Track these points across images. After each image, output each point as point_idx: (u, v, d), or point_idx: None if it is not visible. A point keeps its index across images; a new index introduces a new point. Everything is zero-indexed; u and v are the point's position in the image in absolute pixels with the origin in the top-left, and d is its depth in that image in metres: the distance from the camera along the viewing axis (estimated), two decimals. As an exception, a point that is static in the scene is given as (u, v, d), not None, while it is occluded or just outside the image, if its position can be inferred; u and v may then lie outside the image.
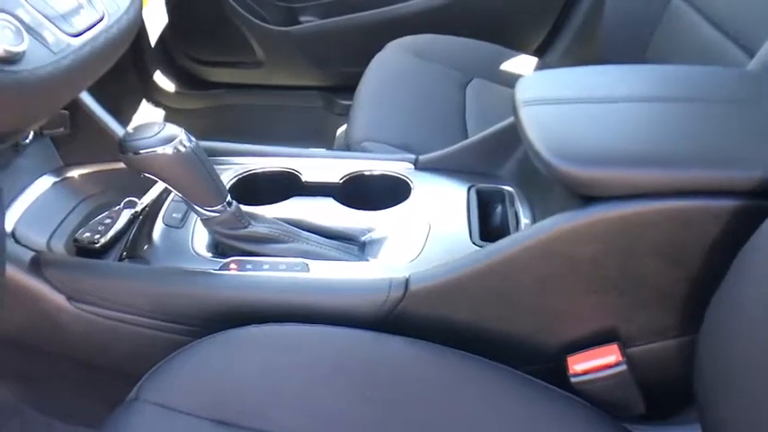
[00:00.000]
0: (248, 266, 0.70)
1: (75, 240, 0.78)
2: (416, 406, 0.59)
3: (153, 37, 1.24)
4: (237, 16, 1.70)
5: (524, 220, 0.78)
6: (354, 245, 0.77)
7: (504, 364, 0.66)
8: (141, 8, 0.77)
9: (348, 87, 1.38)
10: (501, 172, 0.85)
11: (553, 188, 0.71)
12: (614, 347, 0.67)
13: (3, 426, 0.85)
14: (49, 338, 0.75)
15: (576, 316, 0.68)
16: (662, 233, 0.60)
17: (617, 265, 0.63)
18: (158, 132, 0.64)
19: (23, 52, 0.56)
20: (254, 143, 1.86)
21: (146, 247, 0.75)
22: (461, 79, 1.32)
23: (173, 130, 0.65)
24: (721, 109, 0.66)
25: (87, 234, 0.79)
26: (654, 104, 0.66)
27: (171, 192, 0.74)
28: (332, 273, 0.70)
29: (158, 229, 0.77)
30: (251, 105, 1.85)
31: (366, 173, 0.85)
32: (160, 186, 0.83)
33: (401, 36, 1.43)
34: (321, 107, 1.81)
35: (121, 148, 0.65)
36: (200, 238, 0.75)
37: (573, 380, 0.67)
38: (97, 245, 0.78)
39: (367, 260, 0.74)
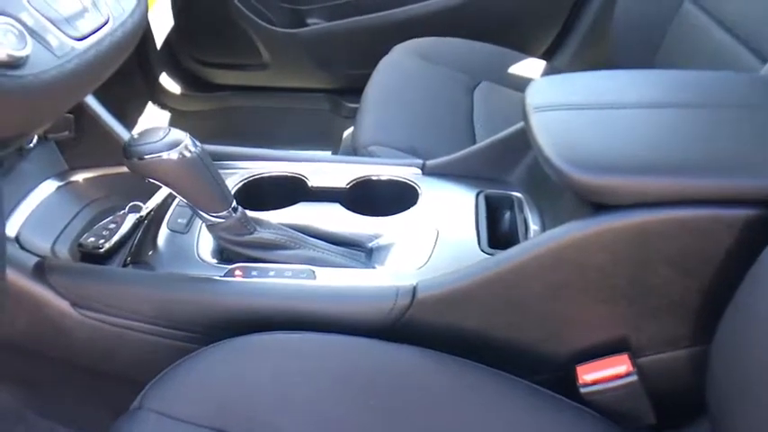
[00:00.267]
0: (254, 273, 0.70)
1: (80, 245, 0.78)
2: (423, 415, 0.59)
3: (159, 39, 1.24)
4: (244, 18, 1.69)
5: (533, 226, 0.77)
6: (361, 251, 0.76)
7: (513, 373, 0.65)
8: (147, 11, 0.77)
9: (355, 90, 1.37)
10: (510, 178, 0.84)
11: (563, 195, 0.70)
12: (624, 357, 0.66)
13: (7, 431, 0.85)
14: (52, 344, 0.74)
15: (586, 325, 0.67)
16: (673, 243, 0.59)
17: (627, 274, 0.62)
18: (163, 137, 0.64)
19: (27, 56, 0.55)
20: (260, 146, 1.86)
21: (150, 252, 0.74)
22: (469, 82, 1.31)
23: (178, 134, 0.65)
24: (734, 115, 0.65)
25: (92, 239, 0.78)
26: (665, 110, 0.65)
27: (176, 196, 0.73)
28: (338, 280, 0.69)
29: (163, 234, 0.76)
30: (257, 108, 1.85)
31: (373, 178, 0.84)
32: (165, 191, 0.82)
33: (408, 39, 1.42)
34: (327, 110, 1.80)
35: (126, 153, 0.64)
36: (205, 243, 0.75)
37: (582, 390, 0.66)
38: (101, 250, 0.77)
39: (374, 267, 0.73)
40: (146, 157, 0.63)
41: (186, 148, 0.64)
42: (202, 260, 0.73)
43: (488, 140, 0.85)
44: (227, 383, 0.60)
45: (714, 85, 0.71)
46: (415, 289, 0.66)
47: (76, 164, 0.90)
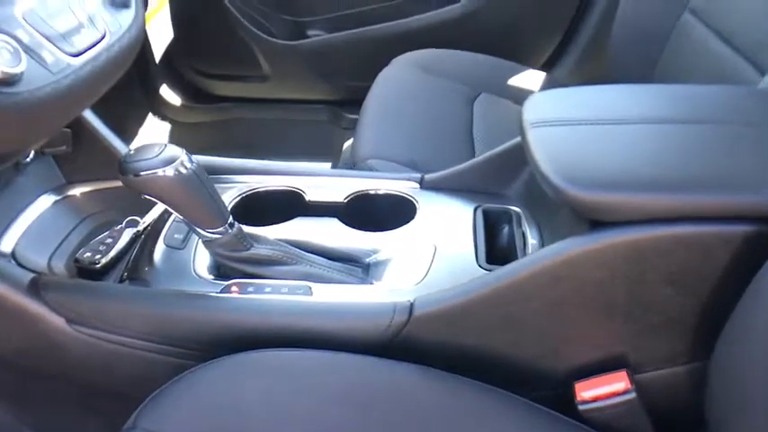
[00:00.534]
0: (250, 289, 0.69)
1: (76, 260, 0.77)
2: (420, 433, 0.58)
3: (158, 52, 1.24)
4: (244, 30, 1.70)
5: (531, 241, 0.76)
6: (359, 267, 0.76)
7: (511, 390, 0.65)
8: (144, 26, 0.77)
9: (355, 101, 1.37)
10: (508, 192, 0.84)
11: (561, 210, 0.70)
12: (623, 374, 0.65)
13: (1, 447, 0.84)
14: (48, 360, 0.74)
15: (584, 341, 0.66)
16: (672, 259, 0.59)
17: (625, 291, 0.61)
18: (159, 153, 0.64)
19: (21, 73, 0.55)
20: (260, 157, 1.85)
21: (147, 268, 0.74)
22: (469, 94, 1.31)
23: (174, 151, 0.64)
24: (733, 131, 0.65)
25: (88, 254, 0.78)
26: (664, 126, 0.65)
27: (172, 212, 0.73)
28: (335, 296, 0.69)
29: (159, 250, 0.76)
30: (257, 119, 1.85)
31: (371, 192, 0.84)
32: (162, 206, 0.82)
33: (408, 50, 1.42)
34: (327, 121, 1.80)
35: (121, 169, 0.64)
36: (201, 259, 0.74)
37: (580, 407, 0.65)
38: (98, 265, 0.77)
39: (371, 283, 0.73)
40: (141, 173, 0.63)
41: (182, 164, 0.64)
42: (199, 276, 0.72)
43: (486, 155, 0.85)
44: (223, 403, 0.59)
45: (711, 99, 0.70)
46: (412, 306, 0.65)
47: (74, 178, 0.90)
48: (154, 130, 1.85)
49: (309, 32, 1.73)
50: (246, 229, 0.75)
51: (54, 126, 0.71)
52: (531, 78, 1.41)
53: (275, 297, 0.68)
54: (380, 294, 0.69)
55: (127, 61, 0.74)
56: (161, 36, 1.28)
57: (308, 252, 0.75)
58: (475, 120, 1.26)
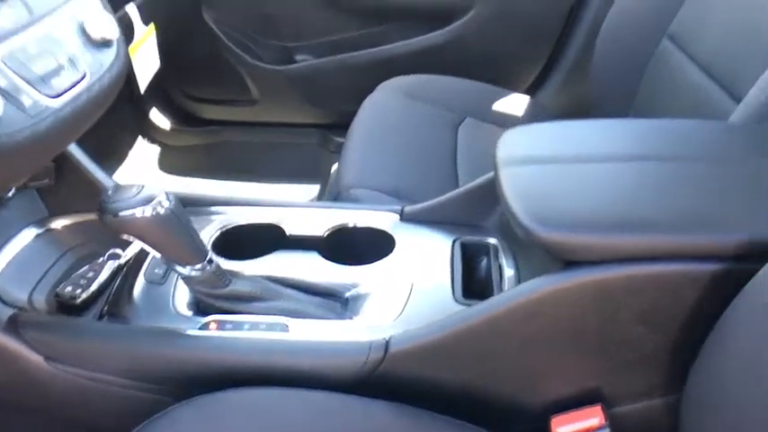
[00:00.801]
0: (228, 326, 0.70)
1: (57, 295, 0.78)
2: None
3: (145, 81, 1.26)
4: (232, 55, 1.71)
5: (509, 272, 0.77)
6: (337, 301, 0.76)
7: (488, 426, 0.65)
8: (126, 63, 0.77)
9: (342, 125, 1.39)
10: (486, 223, 0.84)
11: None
12: (597, 409, 0.66)
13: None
14: (29, 396, 0.74)
15: (559, 377, 0.67)
16: (642, 298, 0.60)
17: (598, 328, 0.62)
18: (137, 194, 0.64)
19: (-1, 117, 0.56)
20: (249, 179, 1.86)
21: (126, 304, 0.74)
22: (453, 119, 1.33)
23: (152, 191, 0.65)
24: (703, 168, 0.66)
25: (69, 288, 0.78)
26: (634, 164, 0.66)
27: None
28: (312, 333, 0.69)
29: (139, 285, 0.76)
30: (246, 142, 1.87)
31: (350, 225, 0.85)
32: (143, 240, 0.83)
33: (394, 76, 1.44)
34: (316, 144, 1.82)
35: (100, 210, 0.65)
36: (181, 295, 0.75)
37: (556, 443, 0.66)
38: (78, 300, 0.77)
39: (350, 318, 0.73)
40: (120, 214, 0.64)
41: (160, 204, 0.65)
42: (178, 312, 0.73)
43: (465, 187, 0.86)
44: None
45: (685, 135, 0.72)
46: (387, 343, 0.66)
47: (57, 210, 0.90)
48: (143, 154, 1.86)
49: (297, 57, 1.75)
50: (226, 264, 0.76)
51: (34, 166, 0.71)
52: (515, 103, 1.43)
53: (252, 335, 0.69)
54: (357, 331, 0.70)
55: (108, 100, 0.74)
56: (149, 64, 1.30)
57: (287, 287, 0.76)
58: (459, 145, 1.27)
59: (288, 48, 1.75)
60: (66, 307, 0.77)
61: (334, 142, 1.76)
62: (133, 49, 1.15)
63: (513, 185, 0.64)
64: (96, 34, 0.73)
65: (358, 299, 0.75)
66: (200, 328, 0.70)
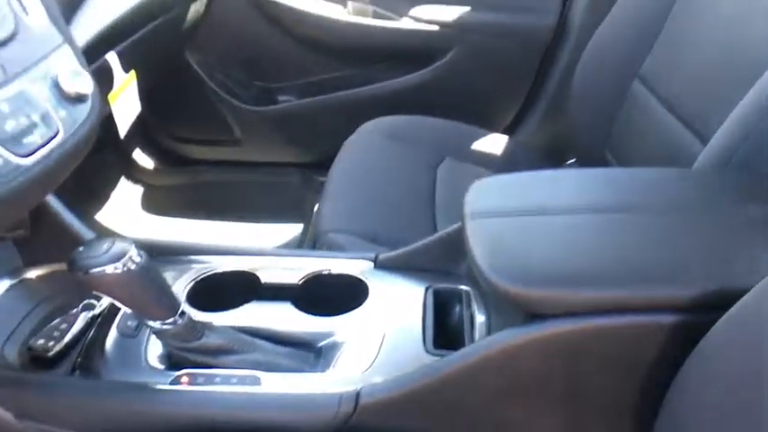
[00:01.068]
0: (200, 380, 0.70)
1: (30, 348, 0.78)
2: None
3: (125, 126, 1.27)
4: (216, 96, 1.74)
5: (480, 318, 0.78)
6: (311, 352, 0.77)
7: (459, 477, 0.65)
8: (100, 116, 0.78)
9: (325, 164, 1.40)
10: (459, 270, 0.85)
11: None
12: (568, 460, 0.67)
13: None
14: (-2, 453, 0.73)
15: (528, 427, 0.67)
16: (605, 349, 0.61)
17: (563, 379, 0.63)
18: (108, 250, 0.65)
19: (-31, 179, 0.57)
20: (232, 219, 1.86)
21: (98, 358, 0.74)
22: (432, 160, 1.35)
23: (122, 246, 0.66)
24: (664, 219, 0.68)
25: (41, 341, 0.78)
26: (597, 216, 0.68)
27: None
28: (284, 386, 0.69)
29: (112, 338, 0.76)
30: (229, 182, 1.88)
31: (325, 272, 0.85)
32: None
33: (374, 116, 1.46)
34: (299, 184, 1.83)
35: (71, 266, 0.65)
36: (153, 348, 0.75)
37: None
38: (51, 353, 0.77)
39: (322, 369, 0.74)
40: (90, 271, 0.64)
41: (131, 259, 0.65)
42: (150, 366, 0.73)
43: (439, 234, 0.87)
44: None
45: (645, 185, 0.73)
46: (358, 395, 0.66)
47: (32, 260, 0.90)
48: (126, 193, 1.86)
49: (280, 98, 1.78)
50: (199, 315, 0.76)
51: (8, 222, 0.72)
52: (494, 142, 1.46)
53: (224, 389, 0.69)
54: (329, 383, 0.70)
55: (82, 153, 0.75)
56: (129, 110, 1.31)
57: (260, 338, 0.76)
58: (438, 185, 1.29)
59: (271, 88, 1.77)
60: (38, 360, 0.77)
61: (317, 182, 1.78)
62: (113, 96, 1.16)
63: (478, 238, 0.65)
64: (70, 89, 0.74)
65: (331, 349, 0.76)
66: (171, 383, 0.70)
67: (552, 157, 1.63)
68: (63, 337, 0.79)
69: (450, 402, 0.66)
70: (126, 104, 1.20)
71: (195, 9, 1.56)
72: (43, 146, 0.67)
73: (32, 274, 0.89)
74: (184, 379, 0.70)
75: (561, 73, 1.58)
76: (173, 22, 1.43)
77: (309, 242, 1.22)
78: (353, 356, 0.74)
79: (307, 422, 0.66)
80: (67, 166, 0.73)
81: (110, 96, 1.16)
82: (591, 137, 1.32)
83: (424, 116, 1.49)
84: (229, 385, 0.69)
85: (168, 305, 0.69)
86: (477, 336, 0.75)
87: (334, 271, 0.86)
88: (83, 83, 0.75)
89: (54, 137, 0.69)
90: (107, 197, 1.80)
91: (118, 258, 0.65)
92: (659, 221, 0.67)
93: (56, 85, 0.73)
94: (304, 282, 0.84)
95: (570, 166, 1.65)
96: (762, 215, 0.68)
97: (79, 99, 0.75)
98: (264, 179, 1.86)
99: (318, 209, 1.19)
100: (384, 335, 0.75)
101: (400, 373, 0.68)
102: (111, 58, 1.15)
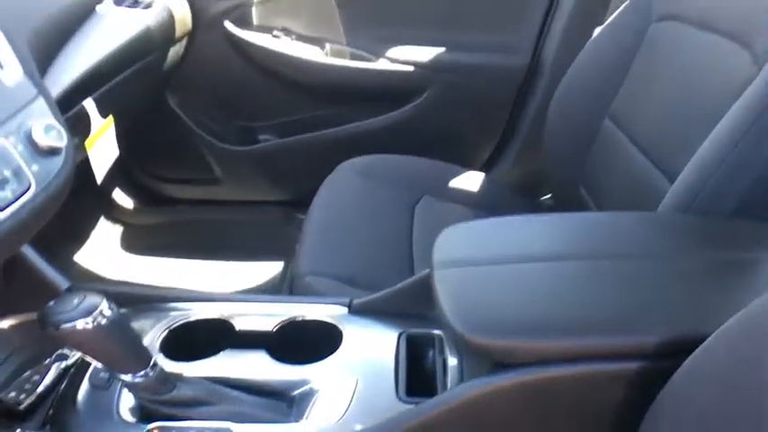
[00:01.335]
0: (171, 432, 0.70)
1: (0, 401, 0.77)
2: None
3: (103, 171, 1.27)
4: (196, 137, 1.75)
5: (452, 362, 0.78)
6: (284, 401, 0.77)
7: None
8: (73, 170, 0.79)
9: (305, 202, 1.42)
10: (432, 314, 0.86)
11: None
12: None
13: None
14: None
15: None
16: (570, 396, 0.62)
17: (532, 426, 0.64)
18: (78, 305, 0.65)
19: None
20: (212, 258, 1.85)
21: (70, 411, 0.74)
22: (410, 199, 1.36)
23: (93, 300, 0.66)
24: (628, 266, 0.69)
25: (12, 394, 0.78)
26: (562, 264, 0.69)
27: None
28: (255, 438, 0.69)
29: (84, 390, 0.76)
30: (209, 220, 1.88)
31: (299, 319, 0.86)
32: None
33: (353, 154, 1.48)
34: (280, 222, 1.84)
35: (41, 322, 0.65)
36: (126, 400, 0.75)
37: None
38: (22, 406, 0.76)
39: (296, 419, 0.74)
40: (61, 327, 0.64)
41: (101, 313, 0.65)
42: (122, 419, 0.72)
43: (412, 279, 0.88)
44: None
45: (609, 231, 0.75)
46: (328, 446, 0.66)
47: (5, 309, 0.90)
48: (106, 233, 1.86)
49: (260, 137, 1.79)
50: (172, 365, 0.76)
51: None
52: (470, 179, 1.48)
53: (195, 442, 0.69)
54: (301, 433, 0.70)
55: (55, 206, 0.76)
56: (107, 155, 1.32)
57: (234, 388, 0.76)
58: (415, 224, 1.30)
59: (250, 128, 1.79)
60: (9, 413, 0.76)
61: (297, 219, 1.78)
62: (90, 142, 1.17)
63: (446, 288, 0.66)
64: (44, 143, 0.75)
65: (305, 398, 0.76)
66: (142, 436, 0.70)
67: (528, 193, 1.65)
68: (34, 390, 0.78)
69: (421, 451, 0.66)
70: (103, 149, 1.20)
71: (174, 52, 1.58)
72: (14, 201, 0.68)
73: (5, 323, 0.88)
74: (156, 432, 0.70)
75: (535, 111, 1.61)
76: (151, 66, 1.45)
77: (288, 283, 1.22)
78: (327, 406, 0.74)
79: (279, 474, 0.66)
80: (40, 218, 0.73)
81: (87, 142, 1.17)
82: (565, 173, 1.34)
83: (402, 155, 1.51)
84: (201, 438, 0.69)
85: (139, 358, 0.69)
86: (449, 381, 0.76)
87: (309, 317, 0.86)
88: (56, 136, 0.76)
89: (25, 192, 0.70)
90: (86, 237, 1.80)
91: (88, 313, 0.65)
92: (622, 268, 0.69)
93: (29, 139, 0.74)
94: (278, 328, 0.84)
95: (545, 201, 1.68)
96: (723, 260, 0.69)
97: (52, 152, 0.76)
98: (244, 218, 1.86)
99: (297, 250, 1.19)
100: (357, 382, 0.76)
101: (373, 423, 0.68)
102: (89, 104, 1.16)
